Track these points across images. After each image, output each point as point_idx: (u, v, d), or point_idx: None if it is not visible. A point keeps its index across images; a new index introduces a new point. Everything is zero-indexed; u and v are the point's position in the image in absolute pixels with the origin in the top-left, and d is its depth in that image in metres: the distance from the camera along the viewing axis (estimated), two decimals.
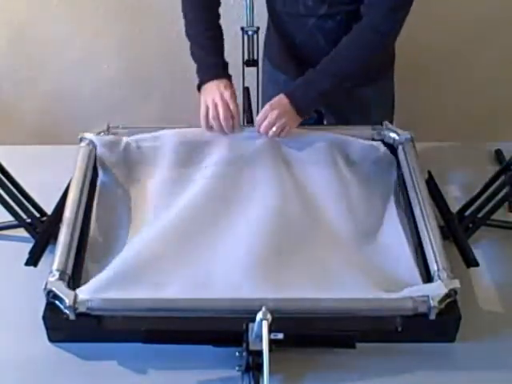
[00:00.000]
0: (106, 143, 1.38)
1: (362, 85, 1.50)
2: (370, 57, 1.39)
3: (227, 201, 1.31)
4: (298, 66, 1.55)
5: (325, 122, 1.67)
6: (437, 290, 1.07)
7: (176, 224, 1.25)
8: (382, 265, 1.19)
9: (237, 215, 1.28)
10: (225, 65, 1.44)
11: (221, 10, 2.07)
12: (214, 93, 1.38)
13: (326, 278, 1.14)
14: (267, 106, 1.37)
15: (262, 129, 1.37)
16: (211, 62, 1.43)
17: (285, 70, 1.62)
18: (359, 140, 1.40)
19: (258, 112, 1.72)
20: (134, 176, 1.37)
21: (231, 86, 1.41)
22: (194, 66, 2.21)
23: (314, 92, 1.37)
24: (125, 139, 1.40)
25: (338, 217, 1.27)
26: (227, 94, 1.38)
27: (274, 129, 1.35)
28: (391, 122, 1.44)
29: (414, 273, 1.15)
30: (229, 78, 1.42)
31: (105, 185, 1.36)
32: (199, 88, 1.44)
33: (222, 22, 2.09)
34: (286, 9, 1.48)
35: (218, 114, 1.37)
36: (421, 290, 1.09)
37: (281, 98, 1.37)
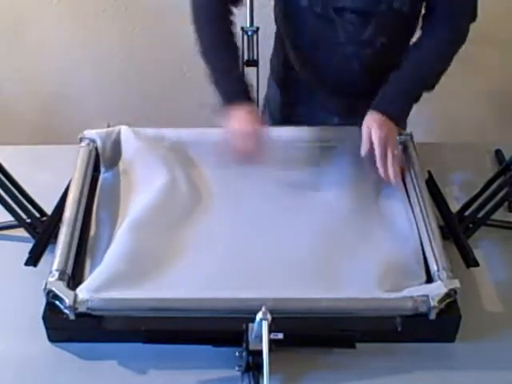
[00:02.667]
0: (107, 136, 1.39)
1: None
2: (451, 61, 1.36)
3: (232, 201, 1.31)
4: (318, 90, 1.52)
5: None
6: (437, 289, 1.07)
7: (179, 224, 1.25)
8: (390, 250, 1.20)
9: (241, 216, 1.28)
10: (249, 88, 1.36)
11: None
12: (243, 121, 1.30)
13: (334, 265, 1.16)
14: (368, 129, 1.28)
15: (380, 162, 1.27)
16: (236, 89, 1.35)
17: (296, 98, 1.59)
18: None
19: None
20: (135, 173, 1.37)
21: (257, 111, 1.35)
22: (193, 67, 2.23)
23: (407, 101, 1.35)
24: (124, 132, 1.40)
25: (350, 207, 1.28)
26: (257, 123, 1.31)
27: (391, 161, 1.27)
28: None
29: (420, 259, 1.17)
30: (253, 102, 1.37)
31: (106, 181, 1.36)
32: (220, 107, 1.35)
33: None
34: (321, 37, 1.40)
35: (248, 143, 1.30)
36: (421, 289, 1.09)
37: (375, 116, 1.30)
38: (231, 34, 1.38)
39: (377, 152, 1.27)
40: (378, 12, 1.30)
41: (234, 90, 1.34)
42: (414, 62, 1.35)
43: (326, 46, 1.40)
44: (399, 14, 1.30)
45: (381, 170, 1.27)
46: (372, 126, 1.28)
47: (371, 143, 1.27)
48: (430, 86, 1.36)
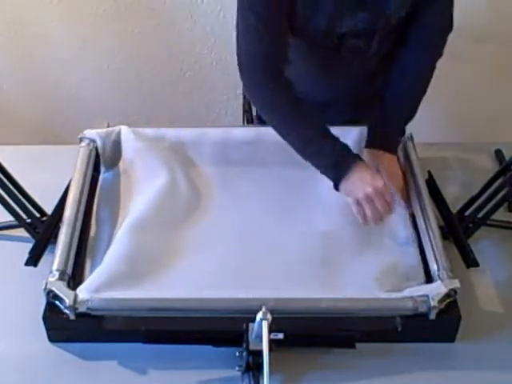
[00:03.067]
0: (107, 136, 1.39)
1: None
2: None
3: (232, 201, 1.32)
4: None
5: None
6: (437, 289, 1.07)
7: (179, 224, 1.25)
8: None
9: (241, 215, 1.28)
10: (345, 146, 1.23)
11: (221, 11, 2.09)
12: (362, 186, 1.17)
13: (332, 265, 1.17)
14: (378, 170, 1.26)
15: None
16: (344, 153, 1.21)
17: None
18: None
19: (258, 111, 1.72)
20: (135, 173, 1.37)
21: (368, 166, 1.22)
22: (193, 66, 2.23)
23: (400, 129, 1.36)
24: (124, 132, 1.40)
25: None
26: (378, 183, 1.17)
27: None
28: None
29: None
30: (358, 157, 1.22)
31: (106, 181, 1.36)
32: (337, 186, 1.21)
33: (221, 21, 2.12)
34: (328, 63, 1.38)
35: (376, 208, 1.18)
36: (421, 289, 1.09)
37: (380, 158, 1.29)
38: (300, 100, 1.25)
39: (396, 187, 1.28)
40: (379, 30, 1.29)
41: (343, 157, 1.21)
42: (402, 91, 1.33)
43: (332, 70, 1.39)
44: (398, 26, 1.30)
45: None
46: (381, 167, 1.28)
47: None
48: (417, 108, 1.36)
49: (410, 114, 1.34)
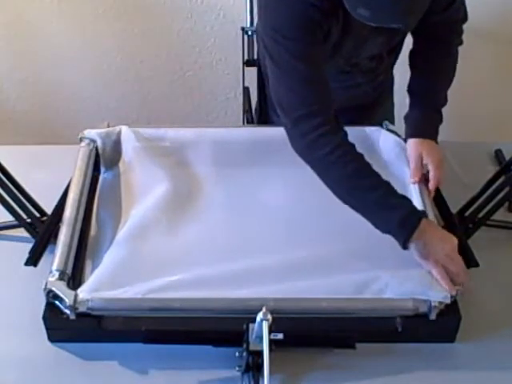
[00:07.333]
0: (107, 136, 1.39)
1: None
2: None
3: (232, 201, 1.32)
4: None
5: None
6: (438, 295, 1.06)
7: (179, 225, 1.25)
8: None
9: (242, 216, 1.28)
10: (410, 202, 1.16)
11: (221, 11, 2.09)
12: (441, 246, 1.12)
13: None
14: (421, 156, 1.28)
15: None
16: (412, 206, 1.15)
17: None
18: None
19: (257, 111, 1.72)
20: (135, 173, 1.37)
21: (432, 222, 1.17)
22: (193, 66, 2.23)
23: (440, 118, 1.35)
24: (124, 132, 1.40)
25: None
26: (454, 240, 1.13)
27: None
28: (392, 122, 1.44)
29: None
30: (424, 213, 1.16)
31: (106, 181, 1.36)
32: (406, 245, 1.12)
33: (221, 21, 2.12)
34: (337, 84, 1.35)
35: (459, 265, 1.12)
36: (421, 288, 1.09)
37: (433, 147, 1.30)
38: (359, 156, 1.19)
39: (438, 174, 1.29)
40: (392, 48, 1.32)
41: (411, 210, 1.14)
42: (435, 80, 1.36)
43: (341, 87, 1.40)
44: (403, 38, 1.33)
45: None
46: (428, 153, 1.29)
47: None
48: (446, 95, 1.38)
49: (444, 102, 1.36)
